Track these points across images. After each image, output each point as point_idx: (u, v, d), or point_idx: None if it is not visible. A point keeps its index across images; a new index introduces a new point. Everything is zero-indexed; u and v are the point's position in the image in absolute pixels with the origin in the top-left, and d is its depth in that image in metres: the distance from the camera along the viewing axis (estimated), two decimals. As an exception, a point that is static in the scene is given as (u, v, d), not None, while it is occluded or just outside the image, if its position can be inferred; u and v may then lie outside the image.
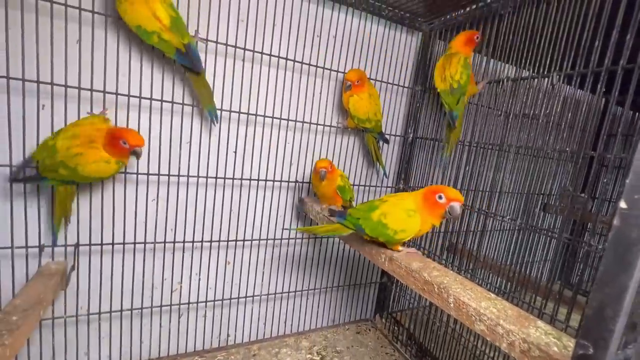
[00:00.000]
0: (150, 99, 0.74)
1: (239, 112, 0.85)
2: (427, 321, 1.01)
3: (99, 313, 0.79)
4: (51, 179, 0.64)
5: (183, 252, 0.87)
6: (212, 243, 0.90)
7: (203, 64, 0.78)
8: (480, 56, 0.88)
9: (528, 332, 0.39)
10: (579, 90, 0.94)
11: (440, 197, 0.56)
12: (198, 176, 0.84)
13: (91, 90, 0.68)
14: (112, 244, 0.77)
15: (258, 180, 0.92)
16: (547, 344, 0.36)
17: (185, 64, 0.70)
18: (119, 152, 0.63)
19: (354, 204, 0.95)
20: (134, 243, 0.79)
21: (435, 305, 0.53)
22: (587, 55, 0.64)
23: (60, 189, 0.67)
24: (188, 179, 0.83)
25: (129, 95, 0.72)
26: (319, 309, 1.11)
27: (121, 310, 0.81)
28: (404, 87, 1.06)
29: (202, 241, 0.87)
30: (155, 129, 0.77)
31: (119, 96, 0.71)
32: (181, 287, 0.89)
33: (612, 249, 0.23)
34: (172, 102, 0.77)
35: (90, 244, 0.75)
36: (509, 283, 0.87)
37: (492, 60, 0.86)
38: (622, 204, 0.22)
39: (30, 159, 0.65)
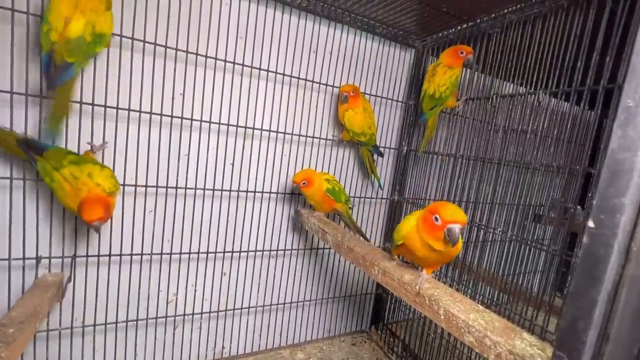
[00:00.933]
0: (150, 112, 0.76)
1: (237, 126, 0.87)
2: (422, 333, 1.02)
3: (94, 325, 0.79)
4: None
5: (179, 263, 0.87)
6: (209, 254, 0.90)
7: (202, 80, 0.80)
8: (470, 72, 0.92)
9: (514, 344, 0.40)
10: (575, 106, 0.97)
11: (436, 219, 0.50)
12: (195, 188, 0.85)
13: (92, 104, 0.70)
14: (109, 255, 0.78)
15: (255, 192, 0.93)
16: (531, 355, 0.37)
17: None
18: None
19: (351, 206, 0.96)
20: (131, 254, 0.80)
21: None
22: (571, 74, 0.67)
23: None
24: (185, 191, 0.84)
25: (129, 110, 0.73)
26: (314, 320, 1.11)
27: (116, 322, 0.81)
28: (397, 101, 1.09)
29: (198, 252, 0.88)
30: (154, 142, 0.79)
31: (119, 110, 0.73)
32: (177, 298, 0.89)
33: (582, 266, 0.24)
34: (172, 116, 0.79)
35: (87, 255, 0.76)
36: (502, 294, 0.88)
37: (482, 75, 0.89)
38: (590, 223, 0.24)
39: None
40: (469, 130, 0.90)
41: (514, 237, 0.80)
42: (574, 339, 0.24)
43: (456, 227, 0.49)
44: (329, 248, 1.07)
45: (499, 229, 0.82)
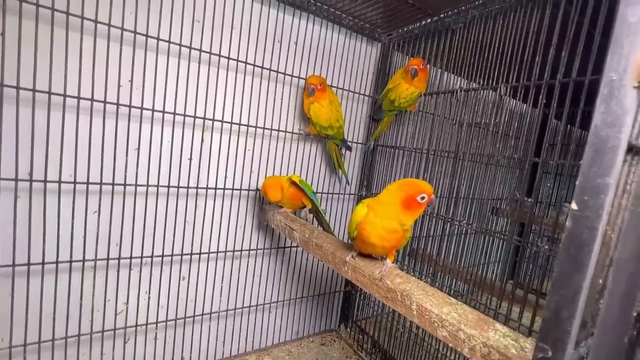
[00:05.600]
0: (92, 99, 0.67)
1: (194, 117, 0.80)
2: (391, 328, 1.02)
3: (24, 345, 0.68)
4: None
5: (130, 268, 0.79)
6: (164, 258, 0.83)
7: (154, 66, 0.73)
8: (435, 68, 0.93)
9: (488, 336, 0.39)
10: (523, 104, 1.02)
11: (423, 198, 0.54)
12: (147, 185, 0.77)
13: (17, 88, 0.60)
14: (42, 263, 0.68)
15: (215, 188, 0.87)
16: (505, 346, 0.37)
17: None
18: None
19: (318, 200, 0.94)
20: (70, 261, 0.71)
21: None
22: (530, 70, 0.70)
23: None
24: (136, 188, 0.76)
25: (64, 95, 0.64)
26: (281, 322, 1.07)
27: (53, 340, 0.71)
28: (364, 95, 1.08)
29: (152, 256, 0.80)
30: (97, 133, 0.70)
31: (52, 96, 0.64)
32: (127, 308, 0.81)
33: (565, 251, 0.23)
34: (118, 104, 0.70)
35: (13, 265, 0.65)
36: (467, 285, 0.90)
37: (446, 73, 0.90)
38: (574, 205, 0.23)
39: None
40: (434, 125, 0.91)
41: (477, 228, 0.82)
42: (559, 329, 0.23)
43: (434, 197, 0.55)
44: (296, 246, 1.04)
45: (463, 222, 0.84)
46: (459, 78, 0.87)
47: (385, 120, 1.02)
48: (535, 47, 0.68)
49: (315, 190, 1.03)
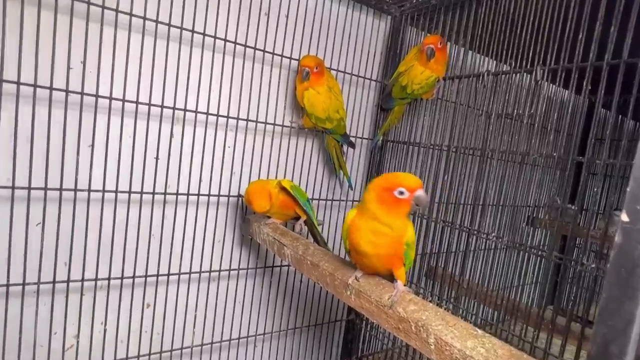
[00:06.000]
0: (35, 85, 0.66)
1: (162, 107, 0.80)
2: (405, 366, 1.00)
3: (-52, 389, 0.66)
4: None
5: (81, 294, 0.79)
6: (124, 280, 0.82)
7: (112, 44, 0.72)
8: (456, 47, 0.92)
9: (524, 379, 0.38)
10: (564, 90, 1.01)
11: (401, 193, 0.54)
12: (104, 190, 0.76)
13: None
14: (-29, 288, 0.66)
15: (188, 194, 0.87)
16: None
17: None
18: None
19: (314, 209, 0.93)
20: (7, 285, 0.70)
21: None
22: (572, 49, 0.69)
23: None
24: (89, 195, 0.76)
25: (0, 81, 0.63)
26: (269, 358, 1.06)
27: (-16, 383, 0.69)
28: (371, 80, 1.08)
29: (109, 278, 0.80)
30: (40, 127, 0.69)
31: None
32: (78, 342, 0.80)
33: (614, 272, 0.23)
34: (67, 91, 0.69)
35: None
36: (497, 312, 0.89)
37: (470, 52, 0.90)
38: (624, 217, 0.22)
39: None
40: (455, 116, 0.90)
41: (508, 242, 0.81)
42: (607, 368, 0.22)
43: (422, 192, 0.55)
44: (287, 265, 1.03)
45: (491, 234, 0.83)
46: (486, 59, 0.86)
47: (396, 110, 1.02)
48: (578, 21, 0.68)
49: (310, 197, 1.02)
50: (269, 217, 0.88)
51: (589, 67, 0.67)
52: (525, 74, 0.79)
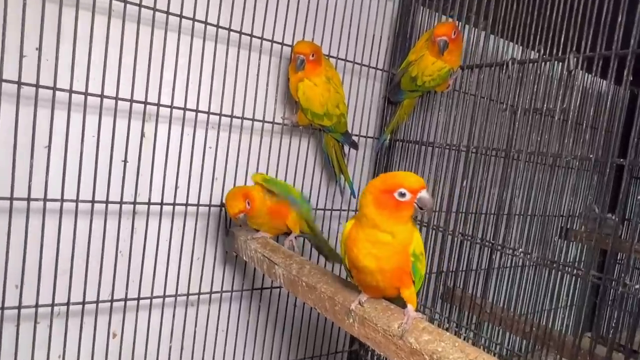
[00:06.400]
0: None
1: (131, 101, 0.81)
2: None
3: None
4: None
5: (35, 322, 0.79)
6: (87, 305, 0.83)
7: (72, 28, 0.73)
8: (476, 31, 0.94)
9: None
10: (601, 81, 1.03)
11: (402, 195, 0.54)
12: (62, 200, 0.77)
13: None
14: None
15: (162, 204, 0.88)
16: None
17: None
18: None
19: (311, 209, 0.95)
20: (-53, 312, 0.70)
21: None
22: (610, 34, 0.71)
23: None
24: (45, 204, 0.76)
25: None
26: (258, 398, 1.07)
27: None
28: (376, 69, 1.10)
29: (68, 303, 0.80)
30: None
31: None
32: (31, 380, 0.80)
33: None
34: (19, 83, 0.70)
35: None
36: (525, 341, 0.90)
37: (492, 37, 0.92)
38: None
39: None
40: (475, 111, 0.92)
41: (538, 259, 0.83)
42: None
43: (426, 193, 0.55)
44: (279, 287, 1.04)
45: (518, 250, 0.85)
46: (511, 45, 0.88)
47: (406, 104, 1.03)
48: (616, 3, 0.70)
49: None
50: (257, 231, 0.90)
51: (630, 54, 0.68)
52: (556, 62, 0.80)
